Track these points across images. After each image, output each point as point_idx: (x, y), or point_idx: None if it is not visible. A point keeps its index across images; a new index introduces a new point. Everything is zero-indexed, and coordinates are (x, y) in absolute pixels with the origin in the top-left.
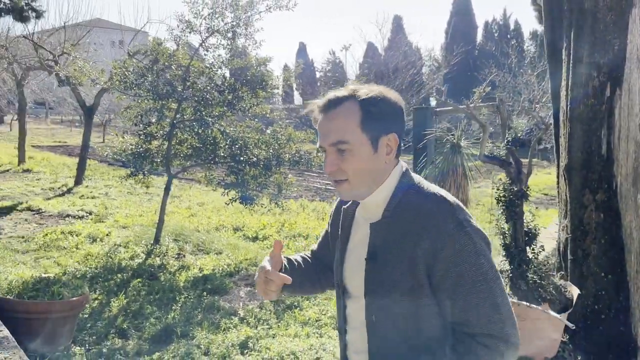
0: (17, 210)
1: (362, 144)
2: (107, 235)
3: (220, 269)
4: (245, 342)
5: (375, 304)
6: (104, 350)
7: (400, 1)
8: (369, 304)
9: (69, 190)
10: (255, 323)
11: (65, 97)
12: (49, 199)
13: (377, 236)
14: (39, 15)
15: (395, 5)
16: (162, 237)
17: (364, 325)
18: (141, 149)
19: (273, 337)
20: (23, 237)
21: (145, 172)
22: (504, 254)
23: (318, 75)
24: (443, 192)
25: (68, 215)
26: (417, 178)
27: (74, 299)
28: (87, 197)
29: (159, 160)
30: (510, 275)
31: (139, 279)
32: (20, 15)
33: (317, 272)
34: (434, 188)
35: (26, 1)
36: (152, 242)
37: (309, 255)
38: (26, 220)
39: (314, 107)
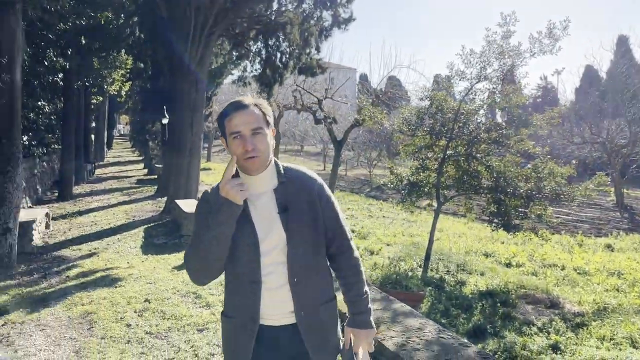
0: None
1: (266, 131)
2: (380, 250)
3: (496, 287)
4: (556, 345)
5: (293, 240)
6: None
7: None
8: (289, 242)
9: None
10: (555, 332)
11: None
12: None
13: (281, 196)
14: (323, 71)
15: (620, 22)
16: (431, 254)
17: (282, 264)
18: (414, 180)
19: (576, 345)
20: None
21: (413, 200)
22: None
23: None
24: (299, 165)
25: None
26: (276, 159)
27: (420, 292)
28: None
29: (426, 189)
30: None
31: (429, 287)
32: (311, 72)
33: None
34: (292, 164)
35: (317, 60)
36: (422, 258)
37: None
38: None
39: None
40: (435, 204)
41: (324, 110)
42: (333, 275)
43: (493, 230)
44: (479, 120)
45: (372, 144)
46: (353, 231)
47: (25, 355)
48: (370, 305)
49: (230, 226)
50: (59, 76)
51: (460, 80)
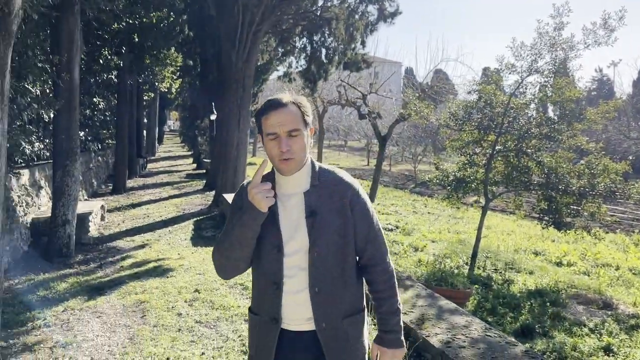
0: None
1: (303, 132)
2: (424, 246)
3: (546, 286)
4: (608, 347)
5: (317, 246)
6: None
7: None
8: (312, 248)
9: None
10: (607, 334)
11: (352, 126)
12: None
13: (311, 199)
14: (368, 66)
15: None
16: (478, 252)
17: (304, 270)
18: (461, 176)
19: (630, 348)
20: None
21: (459, 196)
22: None
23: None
24: (336, 168)
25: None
26: (313, 159)
27: (467, 290)
28: (384, 213)
29: (473, 185)
30: None
31: (476, 285)
32: (356, 67)
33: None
34: (329, 166)
35: (362, 55)
36: (468, 256)
37: None
38: None
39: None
40: (482, 200)
41: (368, 105)
42: (365, 287)
43: (543, 228)
44: (529, 115)
45: (417, 139)
46: (397, 227)
47: (84, 340)
48: (401, 322)
49: (252, 229)
50: (113, 74)
51: (510, 73)
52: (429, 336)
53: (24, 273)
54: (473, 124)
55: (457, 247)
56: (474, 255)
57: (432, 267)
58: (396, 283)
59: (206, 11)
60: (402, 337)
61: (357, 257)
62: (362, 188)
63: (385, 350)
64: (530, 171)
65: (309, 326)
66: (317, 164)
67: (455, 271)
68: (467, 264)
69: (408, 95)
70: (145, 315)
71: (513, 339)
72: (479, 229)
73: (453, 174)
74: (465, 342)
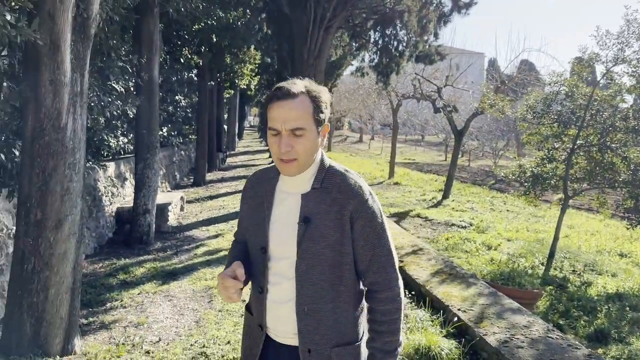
0: (410, 216)
1: (312, 130)
2: (499, 245)
3: (629, 289)
4: None
5: (306, 258)
6: None
7: None
8: (300, 258)
9: (439, 203)
10: None
11: (429, 120)
12: (427, 208)
13: (308, 204)
14: (442, 58)
15: None
16: (556, 252)
17: (290, 281)
18: (539, 171)
19: None
20: (428, 239)
21: (537, 193)
22: None
23: None
24: (352, 171)
25: (453, 225)
26: (329, 159)
27: (535, 290)
28: (458, 210)
29: (552, 182)
30: None
31: (550, 286)
32: (429, 59)
33: None
34: (343, 167)
35: (436, 47)
36: (545, 256)
37: (241, 246)
38: (421, 225)
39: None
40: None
41: (443, 99)
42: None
43: (628, 229)
44: (615, 107)
45: (498, 134)
46: (471, 224)
47: (154, 322)
48: None
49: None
50: (194, 72)
51: (594, 63)
52: (486, 335)
53: (108, 258)
54: (552, 117)
55: (534, 246)
56: (551, 256)
57: (504, 267)
58: (402, 318)
59: (282, 9)
60: None
61: (360, 281)
62: (373, 197)
63: None
64: (615, 167)
65: (293, 341)
66: (329, 163)
67: (529, 271)
68: (542, 264)
69: (483, 87)
70: (212, 301)
71: (577, 342)
72: (557, 227)
73: (530, 169)
74: (524, 342)
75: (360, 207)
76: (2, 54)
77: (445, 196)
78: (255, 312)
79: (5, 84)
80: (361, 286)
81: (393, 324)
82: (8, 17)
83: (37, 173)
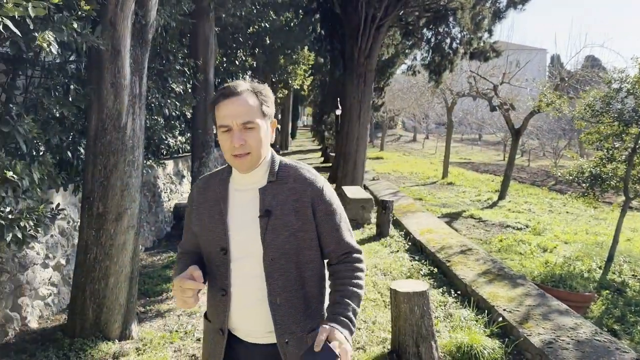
0: (463, 217)
1: (261, 124)
2: (555, 247)
3: None
4: None
5: (272, 250)
6: None
7: None
8: (266, 251)
9: (494, 204)
10: None
11: (486, 119)
12: (481, 209)
13: (266, 197)
14: (497, 55)
15: None
16: (615, 256)
17: (259, 278)
18: (598, 172)
19: None
20: (481, 240)
21: (596, 194)
22: None
23: None
24: (301, 163)
25: (508, 226)
26: (275, 154)
27: (587, 294)
28: (514, 211)
29: (613, 183)
30: None
31: (607, 291)
32: (484, 56)
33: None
34: (293, 160)
35: (490, 44)
36: (603, 259)
37: (190, 255)
38: (474, 226)
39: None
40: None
41: (499, 97)
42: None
43: None
44: None
45: (559, 132)
46: (527, 226)
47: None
48: (355, 319)
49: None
50: (248, 73)
51: None
52: (530, 335)
53: (165, 251)
54: (612, 115)
55: (593, 249)
56: (610, 259)
57: (559, 270)
58: (363, 284)
59: (334, 9)
60: (354, 324)
61: (326, 259)
62: (327, 184)
63: (330, 328)
64: None
65: (269, 339)
66: (279, 159)
67: (586, 275)
68: (600, 268)
69: (539, 85)
70: None
71: (626, 346)
72: (617, 230)
73: (589, 169)
74: (569, 343)
75: (319, 193)
76: (70, 58)
77: (501, 197)
78: (214, 317)
79: (72, 86)
80: (325, 270)
81: (358, 277)
82: (75, 25)
83: (99, 169)
